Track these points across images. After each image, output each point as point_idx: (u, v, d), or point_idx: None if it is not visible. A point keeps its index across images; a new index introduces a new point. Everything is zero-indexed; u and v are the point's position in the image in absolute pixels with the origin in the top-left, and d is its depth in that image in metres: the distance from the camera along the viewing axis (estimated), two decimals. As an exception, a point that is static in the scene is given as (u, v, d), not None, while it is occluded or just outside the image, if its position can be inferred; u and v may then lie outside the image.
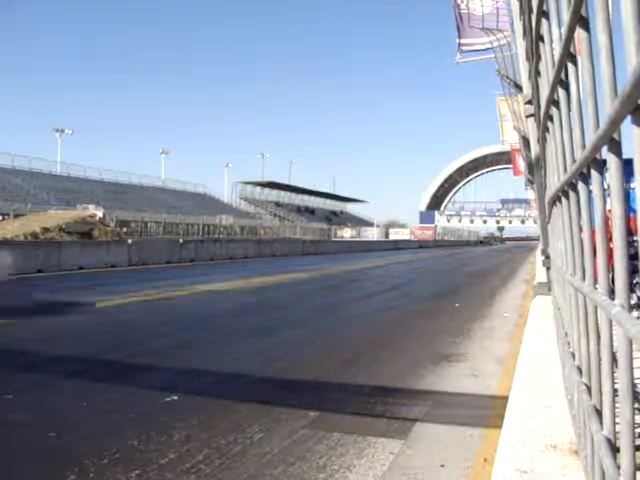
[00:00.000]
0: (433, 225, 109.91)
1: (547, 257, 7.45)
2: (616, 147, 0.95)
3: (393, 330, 9.69)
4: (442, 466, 4.00)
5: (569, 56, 1.43)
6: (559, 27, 1.65)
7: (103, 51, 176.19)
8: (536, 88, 2.90)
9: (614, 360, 1.13)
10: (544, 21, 1.96)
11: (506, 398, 3.09)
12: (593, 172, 1.18)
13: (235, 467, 3.92)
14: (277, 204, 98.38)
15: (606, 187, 1.29)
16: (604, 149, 1.03)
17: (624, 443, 0.97)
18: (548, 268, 7.56)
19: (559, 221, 2.18)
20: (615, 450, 1.13)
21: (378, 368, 6.86)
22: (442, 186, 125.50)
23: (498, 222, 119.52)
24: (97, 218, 36.14)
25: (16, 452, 4.19)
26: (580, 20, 1.19)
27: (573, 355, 1.97)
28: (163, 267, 26.49)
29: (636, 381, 1.94)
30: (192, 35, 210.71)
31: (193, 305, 13.00)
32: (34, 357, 7.29)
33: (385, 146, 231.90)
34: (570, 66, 1.46)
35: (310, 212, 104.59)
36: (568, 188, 1.68)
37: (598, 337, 1.36)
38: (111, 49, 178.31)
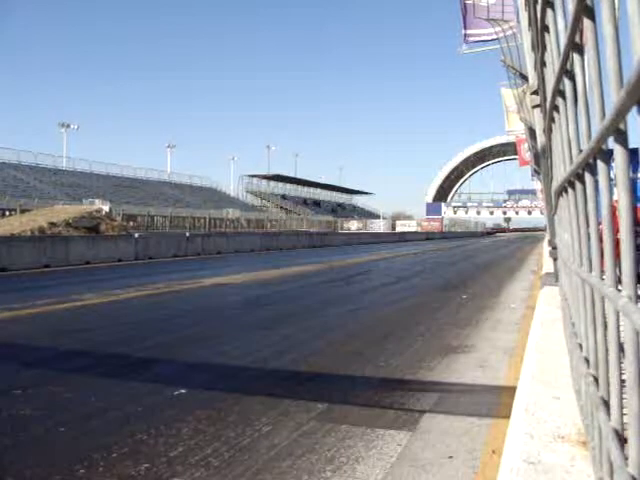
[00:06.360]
0: (440, 217, 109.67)
1: (554, 248, 7.43)
2: (622, 137, 0.95)
3: (401, 322, 9.69)
4: (450, 457, 4.01)
5: (574, 46, 1.42)
6: (564, 17, 1.64)
7: (107, 46, 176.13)
8: (542, 79, 2.89)
9: (621, 351, 1.12)
10: (549, 11, 1.94)
11: (514, 389, 3.09)
12: (599, 162, 1.17)
13: (244, 460, 3.94)
14: (283, 197, 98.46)
15: (613, 177, 1.29)
16: (610, 139, 1.02)
17: (632, 434, 0.97)
18: (555, 259, 7.54)
19: (565, 212, 2.17)
20: (623, 441, 1.13)
21: (386, 360, 6.87)
22: (448, 177, 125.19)
23: (505, 213, 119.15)
24: (104, 212, 36.24)
25: (26, 447, 4.21)
26: (585, 10, 1.18)
27: (580, 346, 1.97)
28: (170, 261, 26.55)
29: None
30: (195, 28, 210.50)
31: (200, 298, 13.02)
32: (40, 352, 7.34)
33: (391, 138, 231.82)
34: (576, 56, 1.45)
35: (316, 204, 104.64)
36: (574, 179, 1.67)
37: (605, 328, 1.36)
38: (114, 43, 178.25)
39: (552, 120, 2.22)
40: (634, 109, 0.80)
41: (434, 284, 16.24)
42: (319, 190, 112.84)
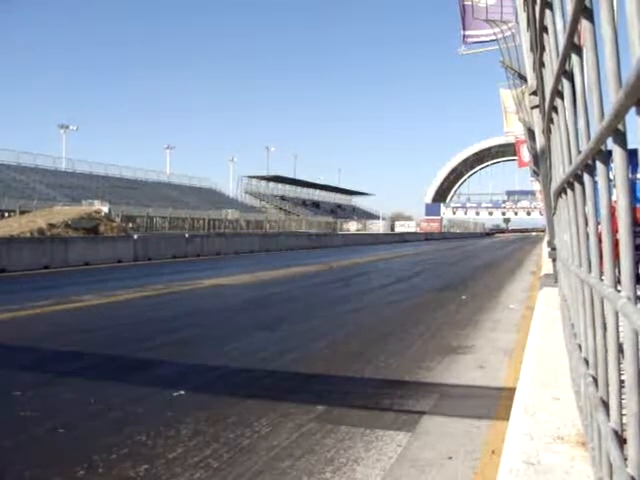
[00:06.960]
0: (439, 217, 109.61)
1: (553, 249, 7.44)
2: (621, 138, 0.95)
3: (400, 322, 9.69)
4: (450, 458, 4.01)
5: (573, 47, 1.42)
6: (563, 18, 1.64)
7: (105, 47, 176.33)
8: (541, 79, 2.89)
9: (621, 352, 1.12)
10: (548, 12, 1.95)
11: (513, 390, 3.09)
12: (598, 163, 1.18)
13: (243, 461, 3.94)
14: (282, 198, 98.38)
15: (612, 178, 1.29)
16: (609, 140, 1.02)
17: (631, 435, 0.97)
18: (554, 260, 7.54)
19: (565, 212, 2.17)
20: (622, 442, 1.13)
21: (385, 360, 6.87)
22: (447, 178, 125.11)
23: (504, 214, 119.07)
24: (103, 214, 36.20)
25: (26, 448, 4.21)
26: (584, 11, 1.19)
27: (580, 347, 1.97)
28: (169, 262, 26.53)
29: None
30: (194, 28, 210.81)
31: (200, 299, 13.01)
32: (40, 353, 7.33)
33: (390, 138, 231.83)
34: (574, 57, 1.45)
35: (315, 205, 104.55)
36: (573, 179, 1.68)
37: (604, 329, 1.36)
38: (112, 44, 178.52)
39: (551, 121, 2.23)
40: (633, 110, 0.80)
41: (434, 285, 16.23)
42: (318, 191, 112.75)
